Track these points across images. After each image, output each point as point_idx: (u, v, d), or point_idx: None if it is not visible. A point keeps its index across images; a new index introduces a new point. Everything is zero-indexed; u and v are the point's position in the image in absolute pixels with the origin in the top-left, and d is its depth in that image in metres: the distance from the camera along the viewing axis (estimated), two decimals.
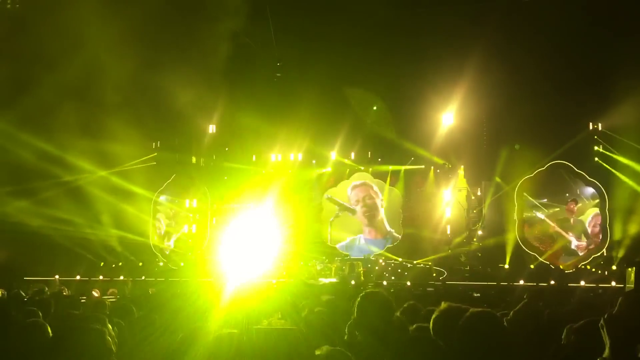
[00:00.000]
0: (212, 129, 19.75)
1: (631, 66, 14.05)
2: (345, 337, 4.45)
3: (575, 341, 3.07)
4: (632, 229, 16.78)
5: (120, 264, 18.88)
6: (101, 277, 16.97)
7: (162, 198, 20.56)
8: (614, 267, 16.85)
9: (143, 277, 16.96)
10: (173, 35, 15.21)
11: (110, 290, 11.92)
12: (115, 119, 16.50)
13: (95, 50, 14.72)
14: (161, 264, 19.82)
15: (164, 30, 15.06)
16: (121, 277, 16.60)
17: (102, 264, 18.50)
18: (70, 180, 17.51)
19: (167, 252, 20.43)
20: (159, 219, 20.67)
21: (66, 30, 14.01)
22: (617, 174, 17.35)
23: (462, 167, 19.18)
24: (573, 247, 18.42)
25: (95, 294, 11.03)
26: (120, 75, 15.27)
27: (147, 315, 5.70)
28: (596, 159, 18.08)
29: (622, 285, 10.82)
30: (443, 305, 3.15)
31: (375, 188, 20.65)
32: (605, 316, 2.02)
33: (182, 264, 19.30)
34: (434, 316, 3.11)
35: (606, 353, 1.94)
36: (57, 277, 15.41)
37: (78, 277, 16.47)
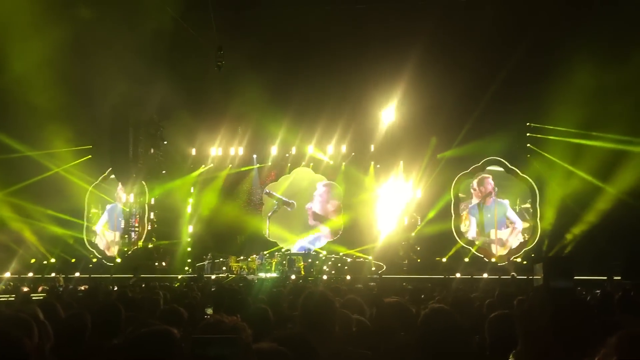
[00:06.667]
0: None
1: (561, 69, 14.59)
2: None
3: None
4: (557, 224, 17.62)
5: (52, 260, 18.20)
6: (30, 274, 16.28)
7: (97, 191, 19.97)
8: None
9: (77, 274, 16.41)
10: (109, 26, 14.60)
11: (41, 288, 11.49)
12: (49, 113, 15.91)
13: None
14: (95, 260, 19.26)
15: (100, 23, 14.50)
16: (52, 274, 15.99)
17: (33, 260, 17.76)
18: None
19: (102, 248, 19.89)
20: (95, 214, 20.10)
21: None
22: (549, 169, 18.00)
23: (402, 162, 19.43)
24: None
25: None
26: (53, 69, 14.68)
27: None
28: (528, 155, 18.74)
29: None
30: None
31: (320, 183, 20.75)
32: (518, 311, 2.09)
33: (118, 260, 18.73)
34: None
35: (519, 347, 2.01)
36: None
37: (8, 275, 15.79)
